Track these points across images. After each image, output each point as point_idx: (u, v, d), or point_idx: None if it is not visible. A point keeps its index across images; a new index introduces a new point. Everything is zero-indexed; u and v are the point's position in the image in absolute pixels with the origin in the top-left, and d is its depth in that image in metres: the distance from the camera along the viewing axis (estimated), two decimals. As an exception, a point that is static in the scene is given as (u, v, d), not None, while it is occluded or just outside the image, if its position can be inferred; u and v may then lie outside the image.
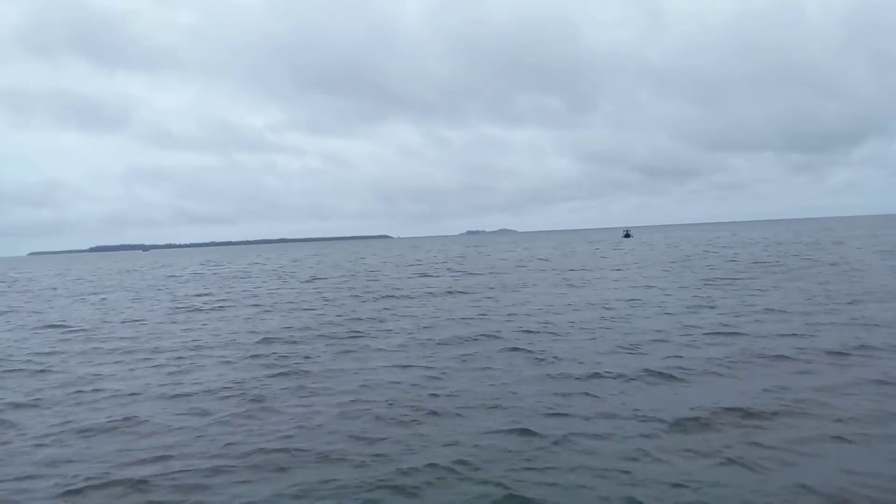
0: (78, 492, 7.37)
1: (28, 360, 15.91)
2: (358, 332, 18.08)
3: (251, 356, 15.00)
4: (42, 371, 14.49)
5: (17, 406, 11.43)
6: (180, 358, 15.20)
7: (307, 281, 42.63)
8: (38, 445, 9.12)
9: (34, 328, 22.74)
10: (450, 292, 28.74)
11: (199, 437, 9.13)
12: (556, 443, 8.21)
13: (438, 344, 15.56)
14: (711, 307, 19.62)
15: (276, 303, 27.87)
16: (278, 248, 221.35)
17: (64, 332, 21.07)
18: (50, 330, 21.94)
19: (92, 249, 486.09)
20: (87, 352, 16.88)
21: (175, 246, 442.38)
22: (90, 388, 12.51)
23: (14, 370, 14.77)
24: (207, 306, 27.71)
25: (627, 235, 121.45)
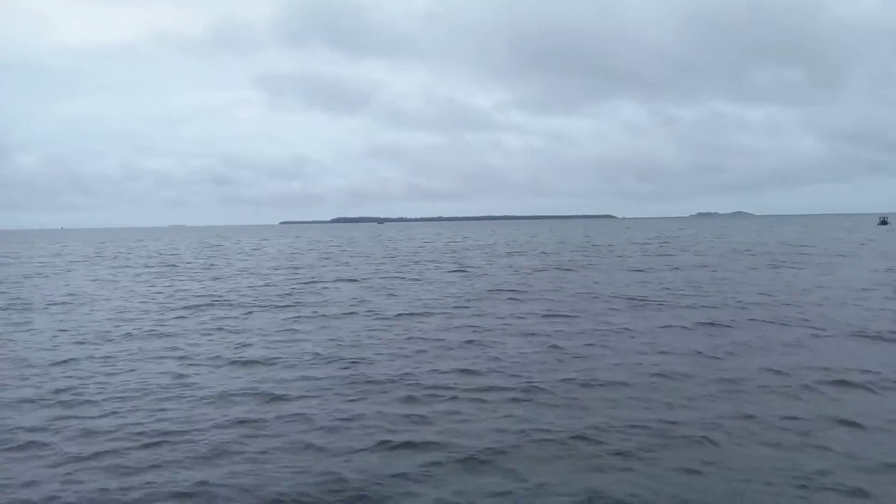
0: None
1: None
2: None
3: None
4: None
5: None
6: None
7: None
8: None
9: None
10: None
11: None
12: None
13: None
14: None
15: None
16: (504, 224, 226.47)
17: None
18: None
19: (334, 221, 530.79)
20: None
21: (406, 220, 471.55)
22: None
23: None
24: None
25: (884, 222, 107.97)
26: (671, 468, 7.34)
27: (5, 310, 21.27)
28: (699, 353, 12.88)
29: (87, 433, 8.80)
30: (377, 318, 18.00)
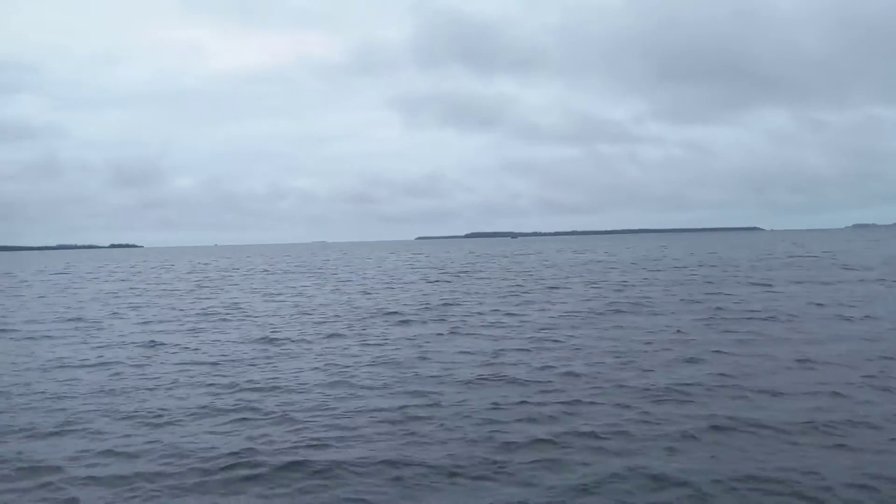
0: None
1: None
2: None
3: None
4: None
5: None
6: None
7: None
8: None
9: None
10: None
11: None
12: None
13: None
14: None
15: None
16: (644, 238, 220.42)
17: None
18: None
19: (468, 235, 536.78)
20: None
21: (540, 234, 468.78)
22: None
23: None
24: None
25: None
26: None
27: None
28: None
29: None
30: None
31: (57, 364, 15.08)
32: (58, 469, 8.21)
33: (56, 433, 9.69)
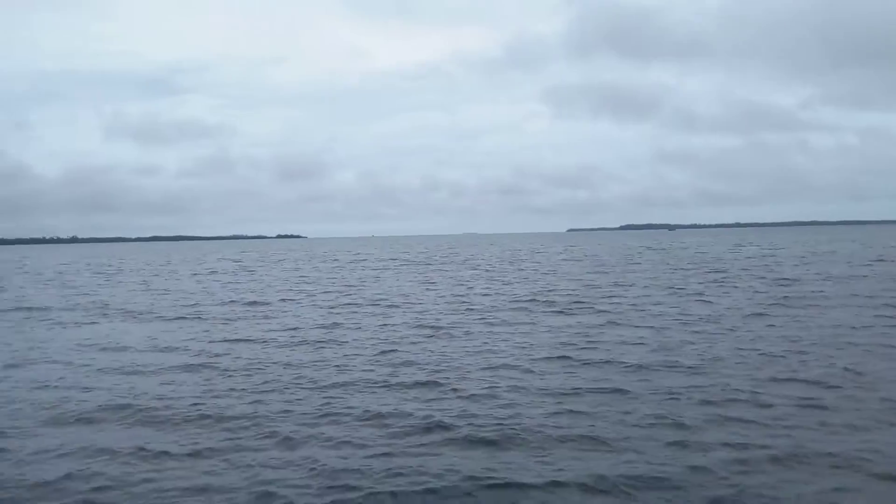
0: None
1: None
2: None
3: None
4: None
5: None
6: None
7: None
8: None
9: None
10: None
11: None
12: None
13: None
14: None
15: None
16: (812, 230, 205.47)
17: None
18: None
19: (621, 227, 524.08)
20: None
21: (699, 226, 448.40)
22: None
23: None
24: None
25: None
26: None
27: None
28: None
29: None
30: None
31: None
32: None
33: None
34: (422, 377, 12.34)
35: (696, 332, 16.65)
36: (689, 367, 12.58)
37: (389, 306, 24.19)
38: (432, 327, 18.65)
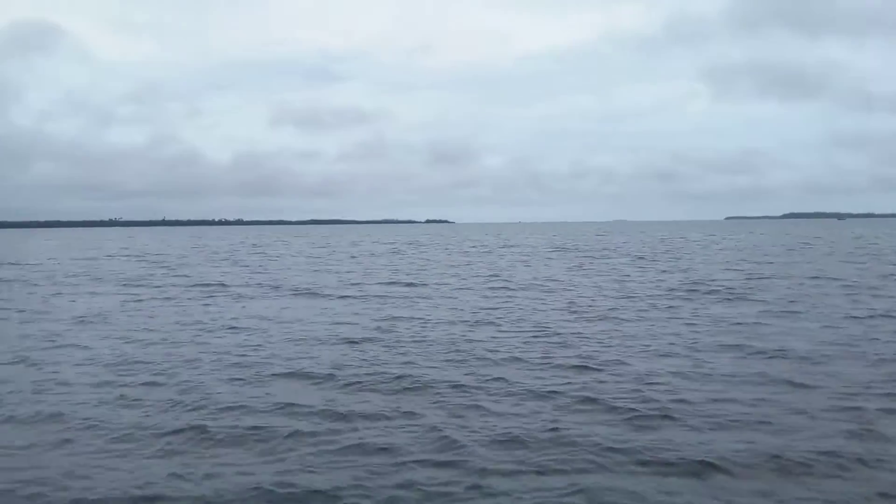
0: None
1: None
2: None
3: None
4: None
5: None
6: None
7: None
8: None
9: None
10: None
11: None
12: None
13: None
14: None
15: None
16: None
17: None
18: None
19: (785, 216, 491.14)
20: None
21: (874, 216, 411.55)
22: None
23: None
24: None
25: None
26: None
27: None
28: None
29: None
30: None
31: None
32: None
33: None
34: (577, 361, 12.66)
35: (872, 326, 15.81)
36: (871, 362, 12.10)
37: (544, 291, 24.60)
38: (589, 312, 18.88)
